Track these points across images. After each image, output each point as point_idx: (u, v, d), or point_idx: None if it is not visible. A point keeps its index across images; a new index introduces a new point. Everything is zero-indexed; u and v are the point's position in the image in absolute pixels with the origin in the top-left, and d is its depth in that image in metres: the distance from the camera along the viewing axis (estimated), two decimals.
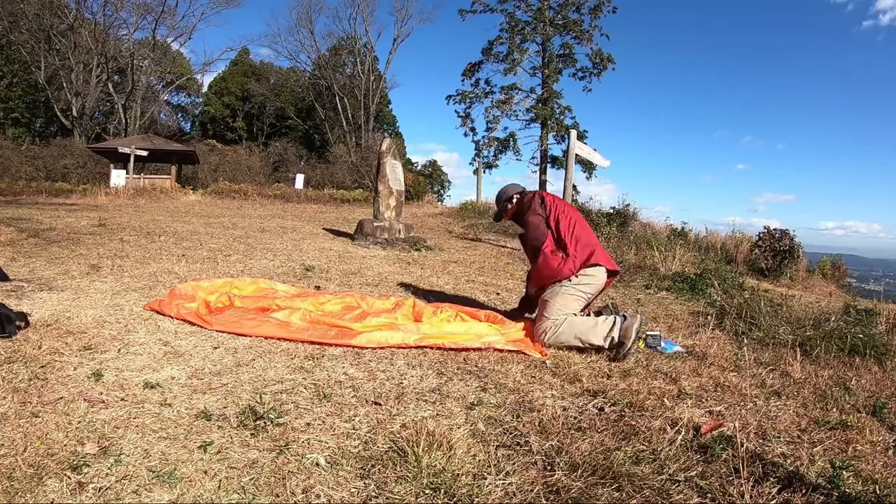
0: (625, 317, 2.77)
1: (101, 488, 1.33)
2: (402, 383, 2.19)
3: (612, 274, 3.07)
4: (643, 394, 2.20)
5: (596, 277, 2.97)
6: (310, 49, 33.70)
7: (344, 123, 31.80)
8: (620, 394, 2.18)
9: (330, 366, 2.34)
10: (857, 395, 2.40)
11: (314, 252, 5.95)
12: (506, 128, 28.21)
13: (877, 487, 1.56)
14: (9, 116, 26.95)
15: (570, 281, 2.92)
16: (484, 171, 24.88)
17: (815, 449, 1.81)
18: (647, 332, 3.09)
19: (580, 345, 2.78)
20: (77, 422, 1.65)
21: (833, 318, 3.54)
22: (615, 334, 2.70)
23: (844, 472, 1.60)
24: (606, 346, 2.72)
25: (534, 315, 3.12)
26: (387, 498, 1.37)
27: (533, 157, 27.51)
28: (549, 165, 27.20)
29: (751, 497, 1.45)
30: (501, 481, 1.47)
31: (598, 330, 2.75)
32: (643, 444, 1.73)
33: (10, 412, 1.67)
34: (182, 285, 3.36)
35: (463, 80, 27.61)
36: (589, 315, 3.01)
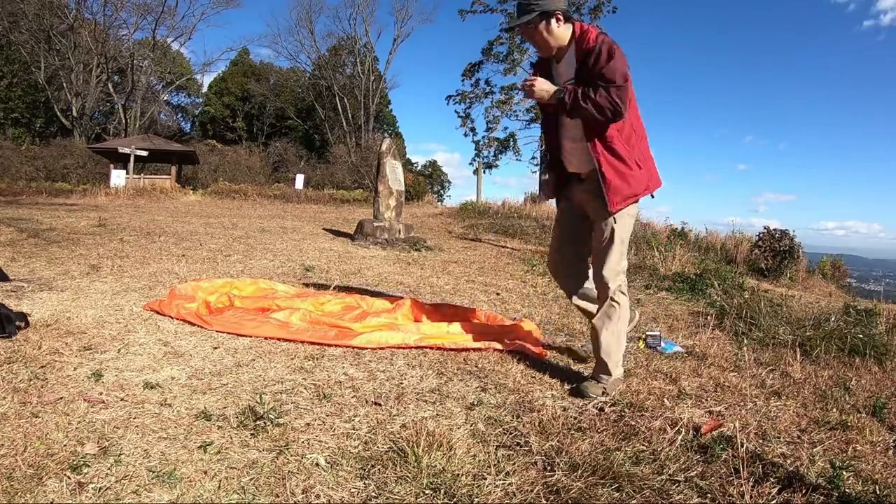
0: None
1: (101, 488, 1.33)
2: (402, 383, 2.19)
3: None
4: (643, 394, 2.20)
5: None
6: (310, 49, 33.75)
7: (344, 123, 31.81)
8: (620, 394, 2.18)
9: (330, 366, 2.34)
10: (857, 395, 2.40)
11: (314, 252, 5.95)
12: (506, 128, 28.19)
13: (877, 487, 1.56)
14: (9, 116, 26.97)
15: (632, 208, 2.22)
16: (484, 172, 24.88)
17: (815, 449, 1.80)
18: (648, 333, 3.09)
19: (607, 339, 2.23)
20: (77, 422, 1.65)
21: (833, 319, 3.54)
22: (620, 373, 2.27)
23: (844, 473, 1.60)
24: (605, 372, 2.24)
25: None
26: (387, 498, 1.37)
27: (533, 157, 27.49)
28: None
29: (751, 497, 1.45)
30: (501, 481, 1.47)
31: (622, 352, 2.29)
32: (643, 445, 1.73)
33: (10, 412, 1.67)
34: (182, 286, 3.36)
35: (463, 81, 27.58)
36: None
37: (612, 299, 2.22)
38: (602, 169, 2.13)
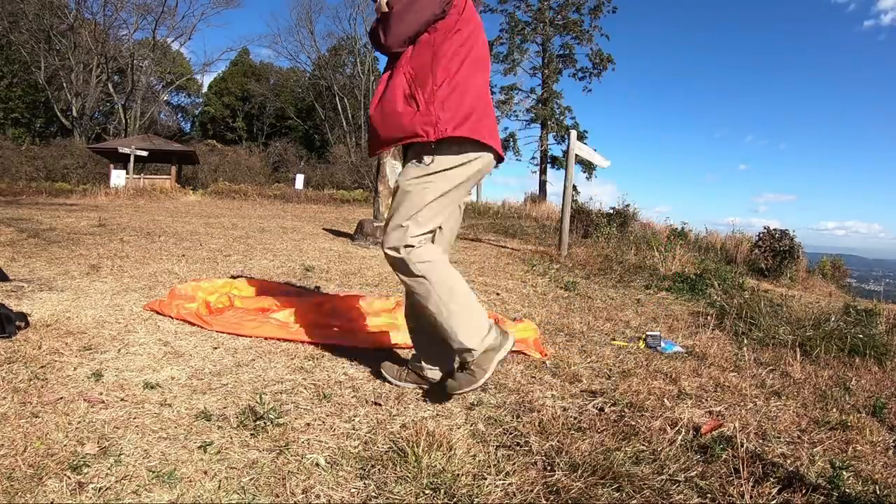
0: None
1: (101, 488, 1.33)
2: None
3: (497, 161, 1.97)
4: (643, 394, 2.20)
5: (476, 165, 1.88)
6: (310, 49, 33.80)
7: (344, 124, 31.84)
8: (620, 394, 2.18)
9: (330, 366, 2.34)
10: (857, 395, 2.40)
11: (314, 252, 5.95)
12: (506, 128, 28.21)
13: (877, 487, 1.57)
14: (9, 116, 27.01)
15: (431, 158, 1.82)
16: None
17: (815, 449, 1.81)
18: (648, 333, 3.09)
19: (439, 322, 1.83)
20: (77, 422, 1.65)
21: (833, 319, 3.54)
22: (489, 341, 1.83)
23: (844, 473, 1.60)
24: (464, 351, 1.83)
25: None
26: (387, 498, 1.37)
27: (533, 158, 27.54)
28: (549, 166, 27.23)
29: (751, 497, 1.45)
30: (501, 481, 1.47)
31: (476, 319, 1.84)
32: (643, 445, 1.73)
33: (10, 412, 1.67)
34: (182, 286, 3.36)
35: None
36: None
37: (415, 275, 1.83)
38: (371, 111, 1.94)
